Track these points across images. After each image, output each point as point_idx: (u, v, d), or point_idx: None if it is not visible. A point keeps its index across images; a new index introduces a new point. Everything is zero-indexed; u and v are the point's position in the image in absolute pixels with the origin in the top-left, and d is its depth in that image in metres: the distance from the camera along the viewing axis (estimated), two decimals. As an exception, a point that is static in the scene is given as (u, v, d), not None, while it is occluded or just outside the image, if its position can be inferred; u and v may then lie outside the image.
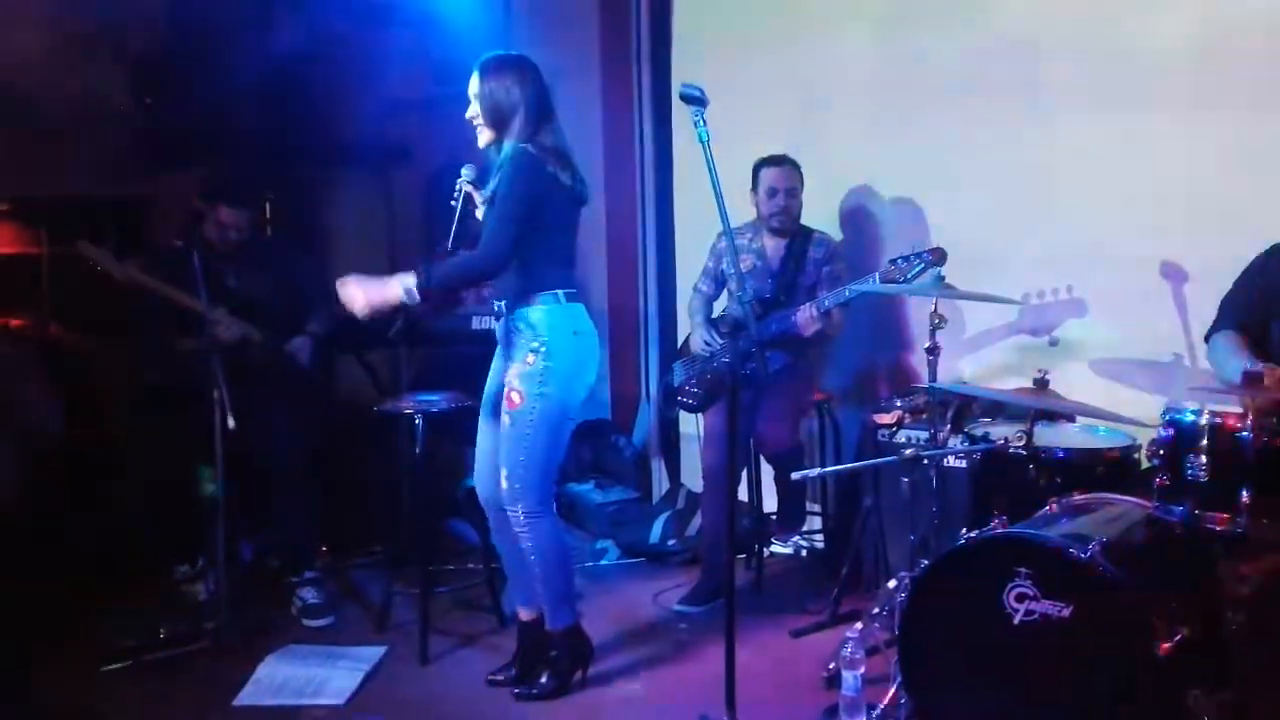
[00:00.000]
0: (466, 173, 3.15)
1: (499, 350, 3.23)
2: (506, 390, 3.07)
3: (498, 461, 3.13)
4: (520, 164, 2.99)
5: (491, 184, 3.06)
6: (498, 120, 3.06)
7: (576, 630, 3.27)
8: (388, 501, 4.07)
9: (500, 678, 3.32)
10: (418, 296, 3.01)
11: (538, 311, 3.07)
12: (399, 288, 3.01)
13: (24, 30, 4.57)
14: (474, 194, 3.14)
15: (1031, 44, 3.87)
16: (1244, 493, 2.43)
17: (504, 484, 3.10)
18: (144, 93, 4.89)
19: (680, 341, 4.37)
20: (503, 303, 3.12)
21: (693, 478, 4.68)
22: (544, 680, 3.23)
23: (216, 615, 3.53)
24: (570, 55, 5.00)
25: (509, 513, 3.12)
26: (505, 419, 3.08)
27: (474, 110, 3.10)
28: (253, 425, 3.47)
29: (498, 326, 3.20)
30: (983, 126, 3.99)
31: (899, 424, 3.81)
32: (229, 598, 3.55)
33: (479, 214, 3.15)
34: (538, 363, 3.04)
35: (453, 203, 3.14)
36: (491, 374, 3.26)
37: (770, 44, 4.56)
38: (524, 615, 3.32)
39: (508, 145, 3.04)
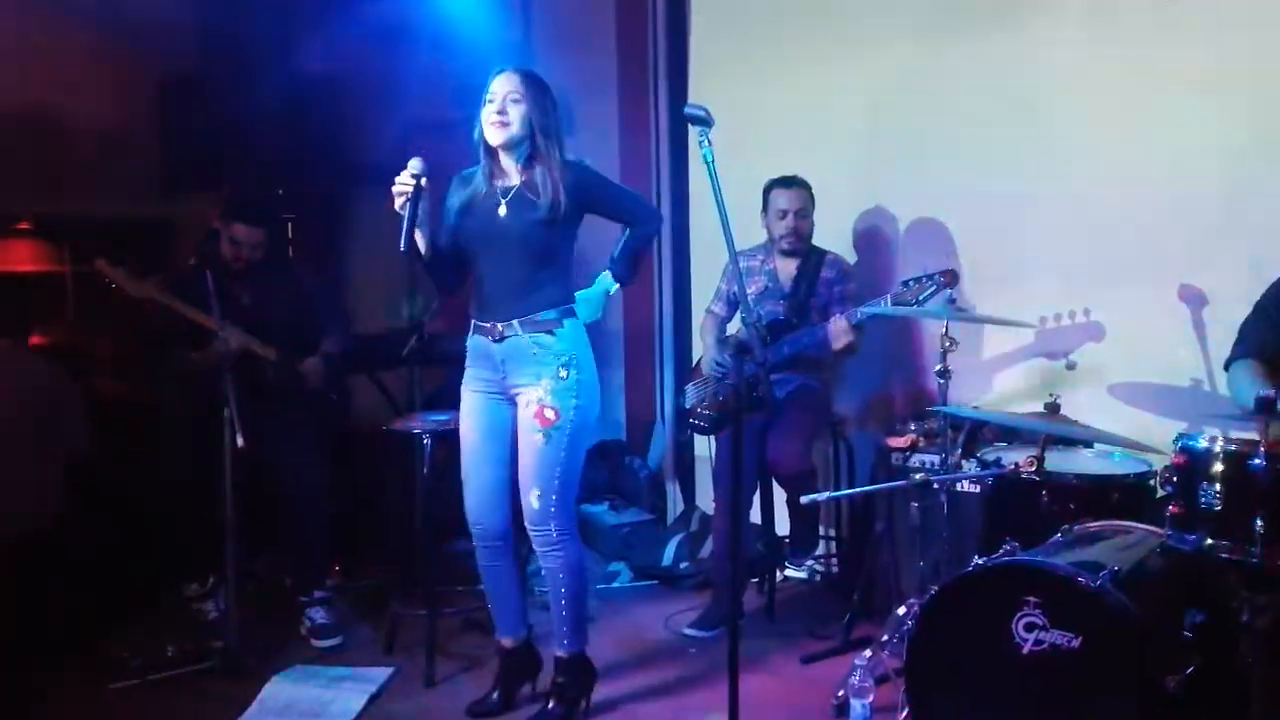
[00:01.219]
0: (416, 165, 2.92)
1: (489, 374, 3.10)
2: (538, 408, 3.00)
3: (502, 487, 3.12)
4: (592, 169, 3.11)
5: (543, 199, 2.96)
6: (533, 134, 2.98)
7: (585, 655, 3.24)
8: (398, 521, 4.06)
9: (482, 708, 3.26)
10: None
11: (570, 324, 3.05)
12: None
13: (51, 53, 4.66)
14: (423, 186, 2.92)
15: (1051, 66, 3.84)
16: (1258, 522, 2.38)
17: (535, 504, 3.03)
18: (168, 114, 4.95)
19: (694, 363, 4.35)
20: (514, 322, 3.01)
21: (707, 500, 4.64)
22: (551, 706, 3.18)
23: (225, 634, 3.53)
24: (589, 77, 5.02)
25: (538, 532, 3.05)
26: (537, 437, 3.00)
27: (513, 111, 2.96)
28: (266, 444, 3.46)
29: (496, 349, 3.05)
30: (999, 148, 3.96)
31: (913, 447, 3.76)
32: (238, 617, 3.54)
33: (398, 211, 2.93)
34: (570, 376, 3.01)
35: (400, 194, 2.88)
36: (486, 405, 3.13)
37: (786, 66, 4.55)
38: (508, 644, 3.27)
39: (570, 168, 3.00)
